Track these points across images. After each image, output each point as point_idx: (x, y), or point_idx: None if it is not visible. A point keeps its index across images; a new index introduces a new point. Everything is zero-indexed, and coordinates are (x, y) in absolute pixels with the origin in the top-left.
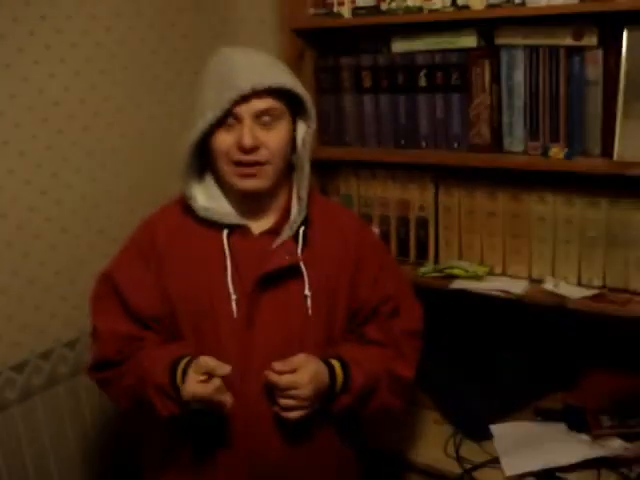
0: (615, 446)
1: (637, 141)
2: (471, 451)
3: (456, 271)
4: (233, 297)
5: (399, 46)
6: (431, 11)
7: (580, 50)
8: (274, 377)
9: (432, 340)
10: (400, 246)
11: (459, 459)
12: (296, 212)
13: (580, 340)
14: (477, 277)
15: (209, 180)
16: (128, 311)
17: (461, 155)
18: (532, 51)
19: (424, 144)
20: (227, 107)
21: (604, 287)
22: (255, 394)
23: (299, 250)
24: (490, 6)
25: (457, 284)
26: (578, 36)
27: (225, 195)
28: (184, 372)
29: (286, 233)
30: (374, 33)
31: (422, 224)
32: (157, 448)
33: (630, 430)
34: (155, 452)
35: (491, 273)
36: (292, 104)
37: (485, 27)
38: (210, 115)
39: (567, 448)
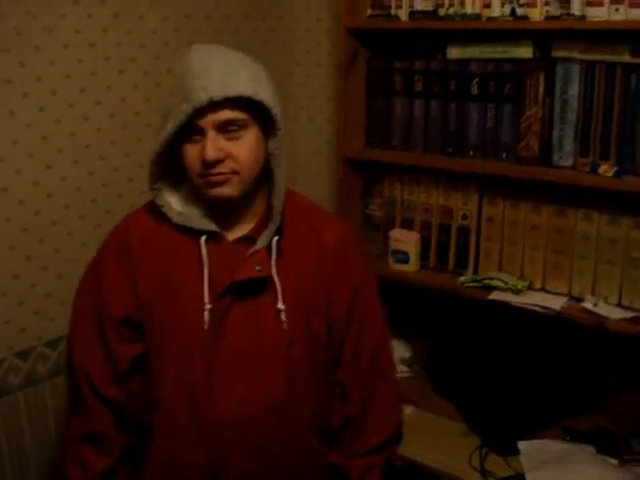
0: None
1: None
2: (496, 465)
3: (495, 282)
4: (207, 307)
5: (454, 52)
6: (489, 19)
7: (638, 68)
8: None
9: (465, 350)
10: (440, 253)
11: (484, 472)
12: (271, 221)
13: (616, 362)
14: (516, 290)
15: (186, 186)
16: (106, 335)
17: (508, 166)
18: (588, 66)
19: (471, 153)
20: (185, 120)
21: None
22: (221, 405)
23: (272, 261)
24: (549, 18)
25: (495, 296)
26: (636, 53)
27: (200, 202)
28: None
29: (260, 242)
30: (429, 38)
31: (464, 233)
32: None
33: None
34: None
35: (530, 287)
36: (264, 109)
37: (542, 39)
38: (170, 126)
39: (594, 471)
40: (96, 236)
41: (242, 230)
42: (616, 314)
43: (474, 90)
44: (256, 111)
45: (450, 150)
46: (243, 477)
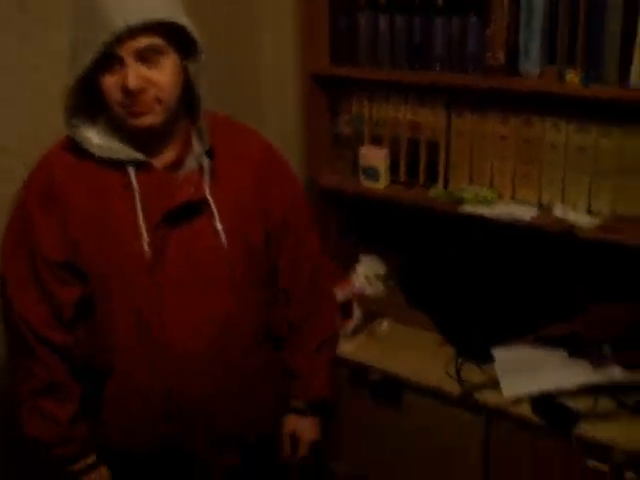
0: (614, 374)
1: None
2: (472, 373)
3: (465, 195)
4: (145, 237)
5: None
6: None
7: None
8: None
9: (438, 264)
10: (410, 169)
11: (460, 380)
12: (197, 144)
13: (587, 270)
14: (486, 202)
15: (103, 118)
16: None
17: (475, 77)
18: None
19: (438, 67)
20: (102, 49)
21: (614, 216)
22: (169, 331)
23: (205, 183)
24: None
25: (466, 208)
26: None
27: (121, 133)
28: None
29: (190, 166)
30: None
31: (433, 147)
32: None
33: (630, 359)
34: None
35: (500, 198)
36: (181, 33)
37: None
38: (86, 59)
39: (567, 373)
40: None
41: (168, 157)
42: (585, 221)
43: (439, 1)
44: (172, 35)
45: (417, 67)
46: (194, 405)
